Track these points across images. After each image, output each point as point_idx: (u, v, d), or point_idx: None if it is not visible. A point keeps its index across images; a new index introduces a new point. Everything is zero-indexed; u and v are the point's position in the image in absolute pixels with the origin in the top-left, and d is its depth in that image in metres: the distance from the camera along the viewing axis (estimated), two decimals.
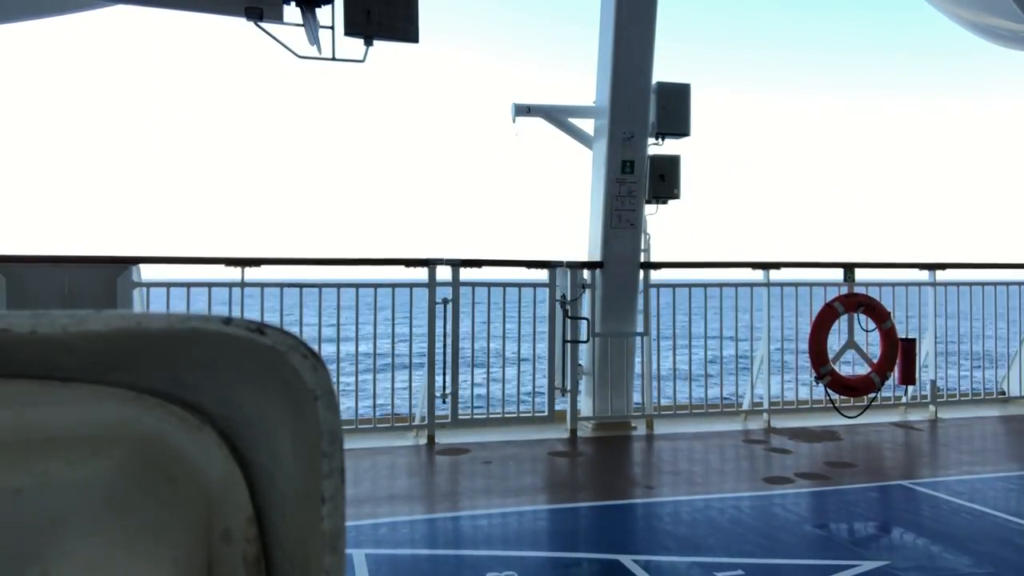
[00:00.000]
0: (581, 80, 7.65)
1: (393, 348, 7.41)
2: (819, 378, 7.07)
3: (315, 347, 0.51)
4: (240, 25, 5.50)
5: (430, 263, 6.36)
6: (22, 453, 0.45)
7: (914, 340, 7.38)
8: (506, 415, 6.68)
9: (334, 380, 0.57)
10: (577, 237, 7.28)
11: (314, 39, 5.59)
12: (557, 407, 6.76)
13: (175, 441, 0.48)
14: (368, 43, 5.68)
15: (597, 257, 6.83)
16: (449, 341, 6.39)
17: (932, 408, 7.49)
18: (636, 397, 7.00)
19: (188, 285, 6.03)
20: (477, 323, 6.96)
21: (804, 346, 7.17)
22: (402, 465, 5.67)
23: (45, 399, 0.47)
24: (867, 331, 7.30)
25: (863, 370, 7.30)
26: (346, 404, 7.31)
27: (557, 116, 7.19)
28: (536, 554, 3.92)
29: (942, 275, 7.80)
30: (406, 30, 5.71)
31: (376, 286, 6.38)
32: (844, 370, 7.30)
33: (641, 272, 6.93)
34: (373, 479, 5.32)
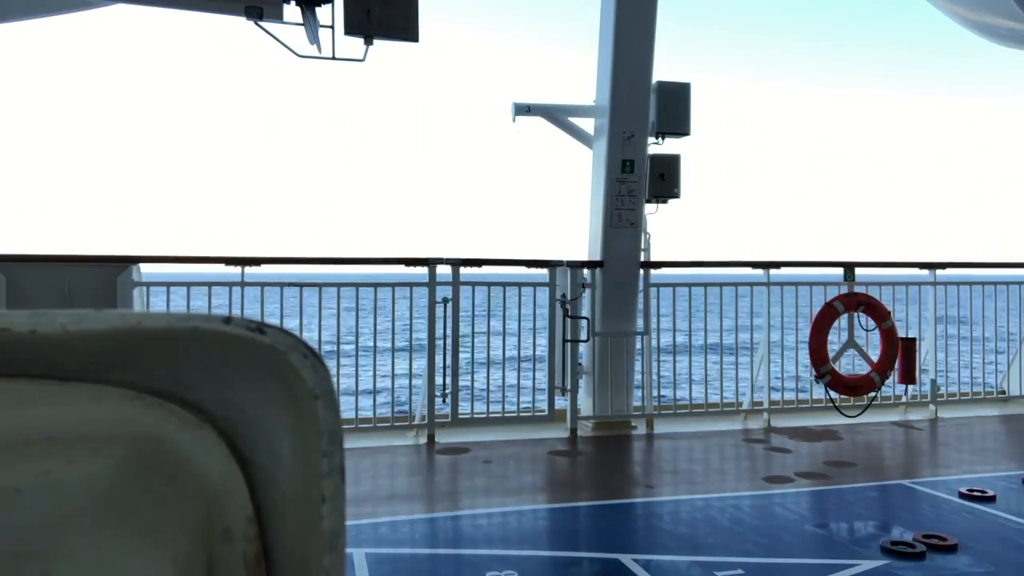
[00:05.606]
0: (581, 79, 7.65)
1: (393, 347, 7.40)
2: (819, 377, 7.07)
3: (315, 346, 0.51)
4: (240, 24, 5.50)
5: (430, 262, 6.36)
6: (22, 452, 0.45)
7: (914, 339, 7.38)
8: (506, 414, 6.68)
9: (334, 379, 0.57)
10: (577, 236, 7.29)
11: (314, 38, 5.59)
12: (557, 406, 6.76)
13: (175, 441, 0.48)
14: (368, 42, 5.68)
15: (597, 256, 6.83)
16: (449, 340, 6.39)
17: (932, 407, 7.49)
18: (636, 396, 7.00)
19: (188, 284, 6.03)
20: (477, 322, 6.96)
21: (804, 345, 7.17)
22: (402, 464, 5.67)
23: (45, 398, 0.47)
24: (867, 330, 7.31)
25: (863, 369, 7.30)
26: (346, 403, 7.31)
27: (557, 115, 7.19)
28: (536, 553, 3.92)
29: (942, 274, 7.80)
30: (406, 29, 5.70)
31: (376, 285, 6.38)
32: (844, 369, 7.30)
33: (641, 271, 6.93)
34: (373, 478, 5.32)
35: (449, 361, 6.39)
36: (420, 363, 6.50)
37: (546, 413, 6.70)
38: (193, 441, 0.49)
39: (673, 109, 6.97)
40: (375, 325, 6.35)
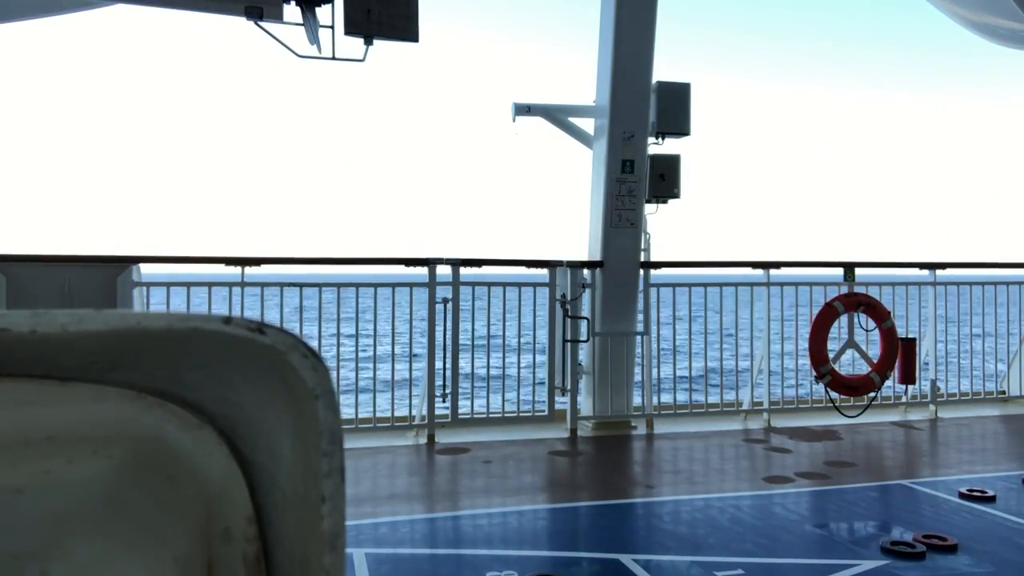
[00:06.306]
0: (581, 79, 7.65)
1: (393, 347, 7.41)
2: (819, 377, 7.07)
3: (315, 346, 0.51)
4: (240, 25, 5.50)
5: (430, 262, 6.36)
6: (22, 452, 0.45)
7: (914, 339, 7.38)
8: (506, 414, 6.68)
9: (334, 379, 0.57)
10: (577, 236, 7.29)
11: (314, 38, 5.59)
12: (557, 406, 6.76)
13: (175, 441, 0.48)
14: (368, 42, 5.68)
15: (597, 256, 6.83)
16: (449, 340, 6.39)
17: (932, 407, 7.49)
18: (636, 396, 7.00)
19: (188, 284, 6.03)
20: (477, 322, 6.96)
21: (804, 345, 7.17)
22: (402, 464, 5.67)
23: (45, 399, 0.47)
24: (867, 330, 7.30)
25: (863, 369, 7.30)
26: (346, 403, 7.31)
27: (557, 115, 7.19)
28: (536, 553, 3.92)
29: (942, 274, 7.80)
30: (406, 29, 5.70)
31: (376, 285, 6.39)
32: (844, 369, 7.30)
33: (641, 271, 6.94)
34: (373, 478, 5.32)
35: (449, 361, 6.39)
36: (420, 363, 6.50)
37: (546, 413, 6.70)
38: (193, 441, 0.49)
39: (673, 109, 6.97)
40: (375, 325, 6.35)
